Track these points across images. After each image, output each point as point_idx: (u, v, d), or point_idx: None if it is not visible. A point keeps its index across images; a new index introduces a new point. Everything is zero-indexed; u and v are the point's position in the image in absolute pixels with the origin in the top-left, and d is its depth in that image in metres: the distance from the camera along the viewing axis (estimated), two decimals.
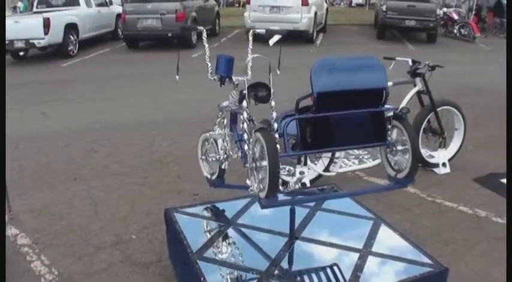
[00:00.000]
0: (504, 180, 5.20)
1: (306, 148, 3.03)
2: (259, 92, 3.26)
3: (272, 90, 3.24)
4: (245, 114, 3.16)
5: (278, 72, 3.39)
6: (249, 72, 3.38)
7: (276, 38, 3.40)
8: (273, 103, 3.19)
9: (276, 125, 3.06)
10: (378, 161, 4.54)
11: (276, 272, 2.90)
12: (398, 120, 3.03)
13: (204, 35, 3.68)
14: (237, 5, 35.03)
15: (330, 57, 3.04)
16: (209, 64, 3.49)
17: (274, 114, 3.15)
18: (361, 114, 3.00)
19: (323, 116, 2.96)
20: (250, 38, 3.40)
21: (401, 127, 3.01)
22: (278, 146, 2.91)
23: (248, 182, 3.05)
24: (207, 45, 3.57)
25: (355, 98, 2.94)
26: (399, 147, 3.06)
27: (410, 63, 5.21)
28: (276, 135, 3.00)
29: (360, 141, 3.08)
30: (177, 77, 3.60)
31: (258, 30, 3.45)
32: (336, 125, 2.98)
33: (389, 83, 4.94)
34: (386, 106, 3.05)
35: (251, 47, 3.38)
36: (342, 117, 2.96)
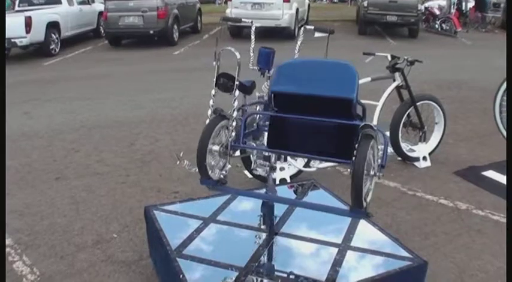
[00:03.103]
0: (485, 173, 5.29)
1: (267, 145, 3.07)
2: (223, 81, 3.28)
3: (237, 82, 3.24)
4: (211, 102, 3.18)
5: None
6: None
7: (320, 34, 3.62)
8: (236, 93, 3.20)
9: (235, 114, 3.08)
10: None
11: (255, 268, 2.91)
12: (362, 139, 2.65)
13: (253, 27, 3.90)
14: (219, 1, 34.94)
15: (300, 58, 3.04)
16: (252, 54, 3.72)
17: (236, 104, 3.17)
18: (325, 124, 2.82)
19: (279, 117, 2.95)
20: (301, 33, 3.65)
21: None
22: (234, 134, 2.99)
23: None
24: (253, 37, 3.80)
25: (317, 105, 2.81)
26: None
27: (389, 58, 5.22)
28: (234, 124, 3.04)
29: (320, 152, 2.90)
30: (214, 63, 3.66)
31: (308, 26, 3.76)
32: (293, 129, 2.93)
33: (368, 79, 5.00)
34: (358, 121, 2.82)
35: (299, 43, 3.71)
36: (301, 122, 2.88)
